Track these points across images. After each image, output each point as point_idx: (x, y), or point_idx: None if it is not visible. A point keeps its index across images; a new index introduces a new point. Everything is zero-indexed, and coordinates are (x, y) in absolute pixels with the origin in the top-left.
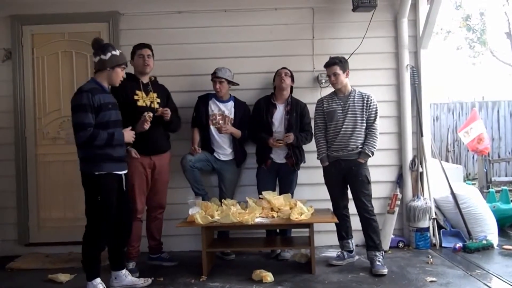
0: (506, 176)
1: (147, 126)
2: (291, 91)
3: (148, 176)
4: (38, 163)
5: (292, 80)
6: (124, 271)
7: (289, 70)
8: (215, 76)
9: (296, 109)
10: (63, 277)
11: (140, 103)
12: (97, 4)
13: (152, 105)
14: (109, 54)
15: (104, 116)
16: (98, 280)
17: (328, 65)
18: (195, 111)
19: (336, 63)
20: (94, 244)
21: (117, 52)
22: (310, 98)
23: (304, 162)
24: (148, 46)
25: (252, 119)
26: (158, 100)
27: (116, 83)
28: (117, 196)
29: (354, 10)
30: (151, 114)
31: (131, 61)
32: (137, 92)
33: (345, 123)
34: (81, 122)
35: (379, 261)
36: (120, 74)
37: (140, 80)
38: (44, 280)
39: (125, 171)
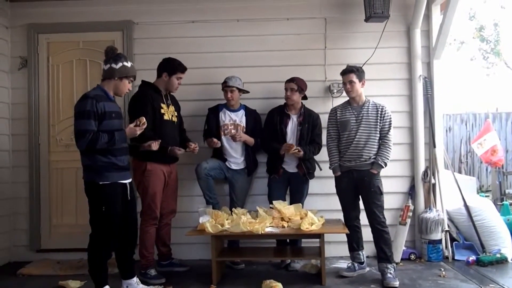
0: None
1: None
2: (305, 98)
3: (165, 183)
4: (51, 170)
5: (301, 90)
6: (135, 279)
7: (295, 83)
8: (226, 85)
9: (308, 120)
10: (74, 284)
11: (165, 117)
12: (111, 14)
13: (173, 119)
14: (120, 64)
15: (107, 124)
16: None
17: (344, 72)
18: (206, 123)
19: (353, 71)
20: (99, 253)
21: (128, 64)
22: (321, 108)
23: (321, 169)
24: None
25: (265, 129)
26: (176, 114)
27: (122, 94)
28: (121, 204)
29: (366, 20)
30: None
31: (165, 73)
32: (162, 105)
33: (358, 133)
34: (83, 129)
35: (390, 273)
36: (127, 86)
37: (162, 92)
38: (54, 286)
39: (130, 180)
